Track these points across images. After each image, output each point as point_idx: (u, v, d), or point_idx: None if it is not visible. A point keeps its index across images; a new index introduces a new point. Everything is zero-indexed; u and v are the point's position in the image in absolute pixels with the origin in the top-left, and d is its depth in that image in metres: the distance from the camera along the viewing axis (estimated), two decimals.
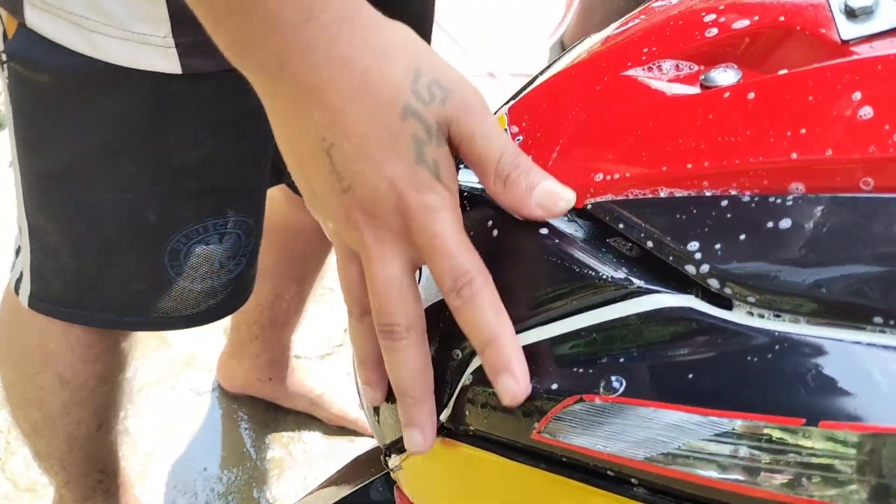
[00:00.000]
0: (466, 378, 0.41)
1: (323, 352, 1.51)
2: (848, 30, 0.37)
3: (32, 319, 0.80)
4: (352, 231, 0.39)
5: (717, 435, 0.33)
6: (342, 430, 1.35)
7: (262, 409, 1.37)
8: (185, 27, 0.61)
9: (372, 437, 1.30)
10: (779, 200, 0.33)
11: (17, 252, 0.78)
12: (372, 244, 0.38)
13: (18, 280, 0.78)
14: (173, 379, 1.41)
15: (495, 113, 0.48)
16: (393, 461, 0.49)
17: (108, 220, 0.71)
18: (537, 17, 2.11)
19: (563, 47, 1.94)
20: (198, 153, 0.68)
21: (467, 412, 0.42)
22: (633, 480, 0.35)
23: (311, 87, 0.36)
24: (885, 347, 0.30)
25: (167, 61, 0.62)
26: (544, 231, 0.40)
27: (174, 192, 0.70)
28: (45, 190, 0.71)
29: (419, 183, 0.37)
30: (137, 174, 0.68)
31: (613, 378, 0.34)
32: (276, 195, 0.96)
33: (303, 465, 1.32)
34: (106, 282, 0.75)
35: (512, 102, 0.48)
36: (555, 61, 0.51)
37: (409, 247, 0.39)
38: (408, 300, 0.39)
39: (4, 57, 0.65)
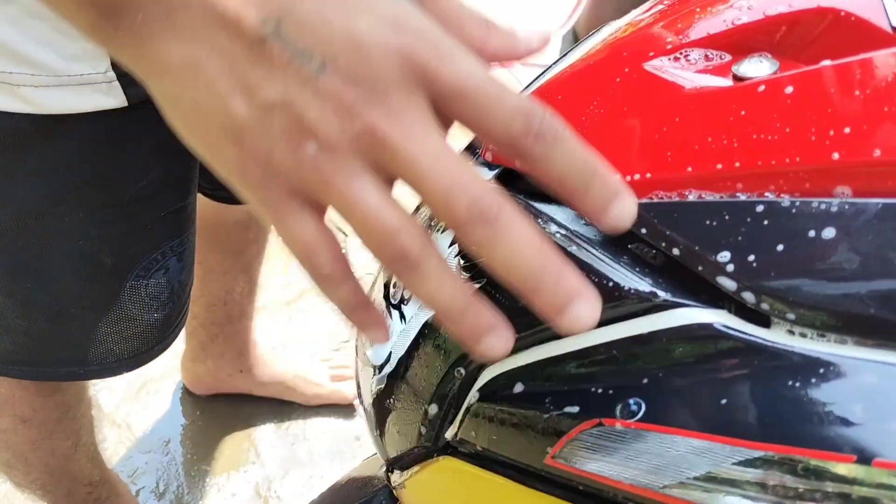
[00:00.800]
0: (473, 395, 0.38)
1: (286, 298, 1.49)
2: None
3: None
4: (352, 119, 0.27)
5: (750, 466, 0.30)
6: (347, 429, 1.33)
7: (266, 408, 1.35)
8: None
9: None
10: (822, 206, 0.30)
11: None
12: (391, 116, 0.27)
13: None
14: (176, 375, 1.39)
15: None
16: (395, 478, 0.46)
17: (59, 274, 0.66)
18: (549, 5, 2.07)
19: (575, 37, 1.90)
20: (147, 180, 0.64)
21: (474, 431, 0.39)
22: None
23: None
24: None
25: (111, 97, 0.58)
26: (559, 235, 0.36)
27: (130, 228, 0.65)
28: None
29: (409, 15, 0.28)
30: (87, 219, 0.63)
31: (632, 401, 0.31)
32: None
33: (307, 464, 1.30)
34: (63, 336, 0.71)
35: (529, 90, 0.44)
36: (570, 51, 0.48)
37: (428, 106, 0.28)
38: (471, 170, 0.28)
39: None
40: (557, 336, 0.36)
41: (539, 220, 0.37)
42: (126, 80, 0.57)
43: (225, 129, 0.28)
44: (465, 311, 0.29)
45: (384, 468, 0.48)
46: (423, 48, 0.28)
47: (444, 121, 0.29)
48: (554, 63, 0.48)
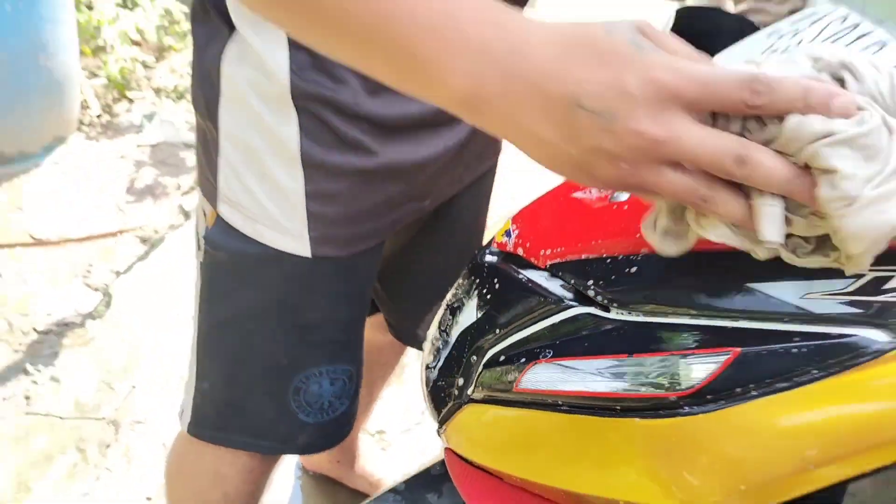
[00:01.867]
0: (482, 366, 0.73)
1: (404, 427, 1.79)
2: None
3: (206, 448, 1.02)
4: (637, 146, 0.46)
5: (610, 373, 0.64)
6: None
7: None
8: (318, 224, 0.86)
9: None
10: (632, 257, 0.65)
11: (186, 391, 1.02)
12: (660, 127, 0.45)
13: (181, 413, 1.03)
14: None
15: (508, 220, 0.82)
16: (441, 430, 0.80)
17: (256, 360, 0.95)
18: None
19: None
20: (320, 315, 0.93)
21: (481, 386, 0.73)
22: (559, 402, 0.66)
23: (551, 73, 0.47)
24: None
25: (301, 245, 0.87)
26: (524, 279, 0.72)
27: (301, 342, 0.94)
28: (212, 335, 0.96)
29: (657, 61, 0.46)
30: (277, 328, 0.93)
31: (547, 350, 0.66)
32: None
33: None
34: (248, 410, 0.98)
35: (516, 212, 0.82)
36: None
37: (682, 111, 0.46)
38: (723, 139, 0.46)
39: (204, 242, 0.93)
40: (525, 327, 0.71)
41: (515, 273, 0.73)
42: (315, 240, 0.87)
43: (569, 164, 0.49)
44: (795, 179, 0.45)
45: (436, 428, 0.82)
46: (667, 77, 0.45)
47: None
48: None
